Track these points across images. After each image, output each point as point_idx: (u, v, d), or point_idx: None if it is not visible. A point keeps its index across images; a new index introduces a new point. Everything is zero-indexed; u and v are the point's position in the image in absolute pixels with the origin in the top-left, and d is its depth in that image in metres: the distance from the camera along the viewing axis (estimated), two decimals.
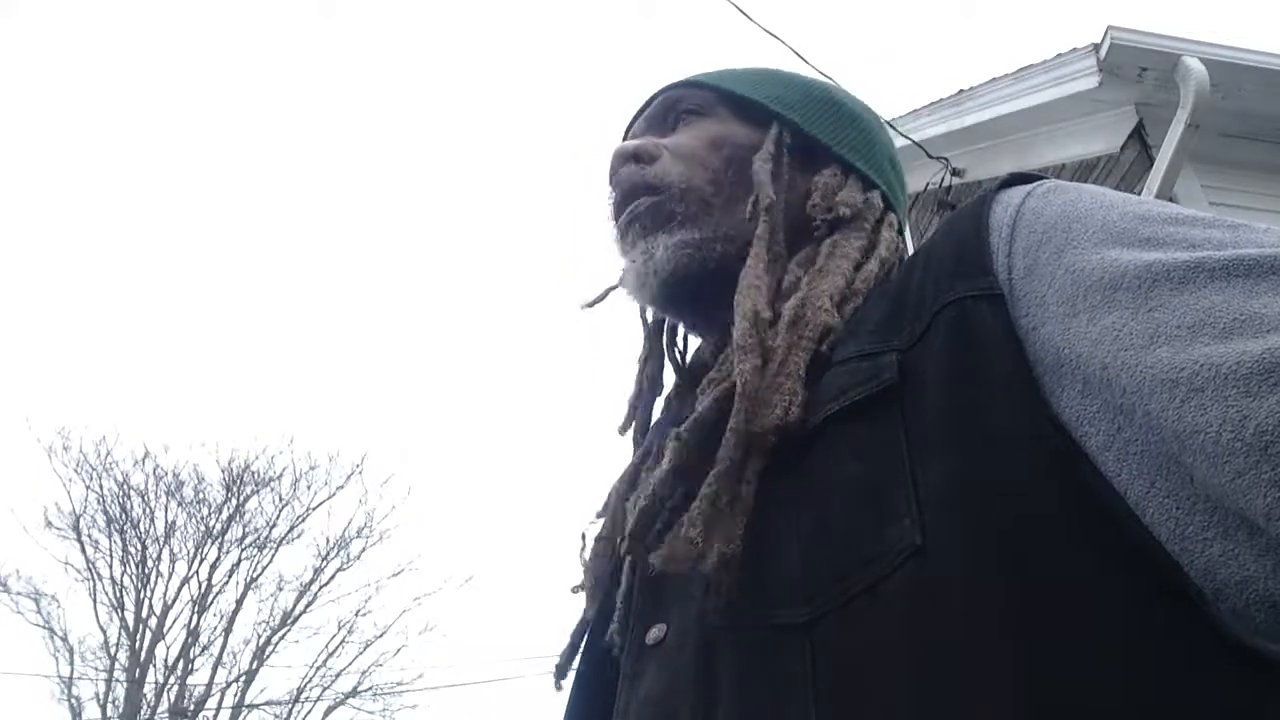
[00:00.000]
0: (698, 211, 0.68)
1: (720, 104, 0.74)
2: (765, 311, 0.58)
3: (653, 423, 0.74)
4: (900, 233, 0.74)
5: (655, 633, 0.51)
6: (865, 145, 0.74)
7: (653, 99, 0.78)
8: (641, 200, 0.69)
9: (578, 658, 0.63)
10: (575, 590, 0.68)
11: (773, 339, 0.56)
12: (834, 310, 0.57)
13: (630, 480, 0.66)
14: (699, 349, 0.76)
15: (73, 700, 11.67)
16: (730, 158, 0.70)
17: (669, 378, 0.79)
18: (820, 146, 0.72)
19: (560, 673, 0.65)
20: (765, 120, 0.72)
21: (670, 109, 0.76)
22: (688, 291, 0.67)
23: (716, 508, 0.47)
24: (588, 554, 0.67)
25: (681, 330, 0.79)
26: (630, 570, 0.57)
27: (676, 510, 0.50)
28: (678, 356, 0.79)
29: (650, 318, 0.80)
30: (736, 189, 0.68)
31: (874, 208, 0.70)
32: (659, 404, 0.76)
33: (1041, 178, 0.53)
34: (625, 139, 0.79)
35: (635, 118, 0.79)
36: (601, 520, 0.68)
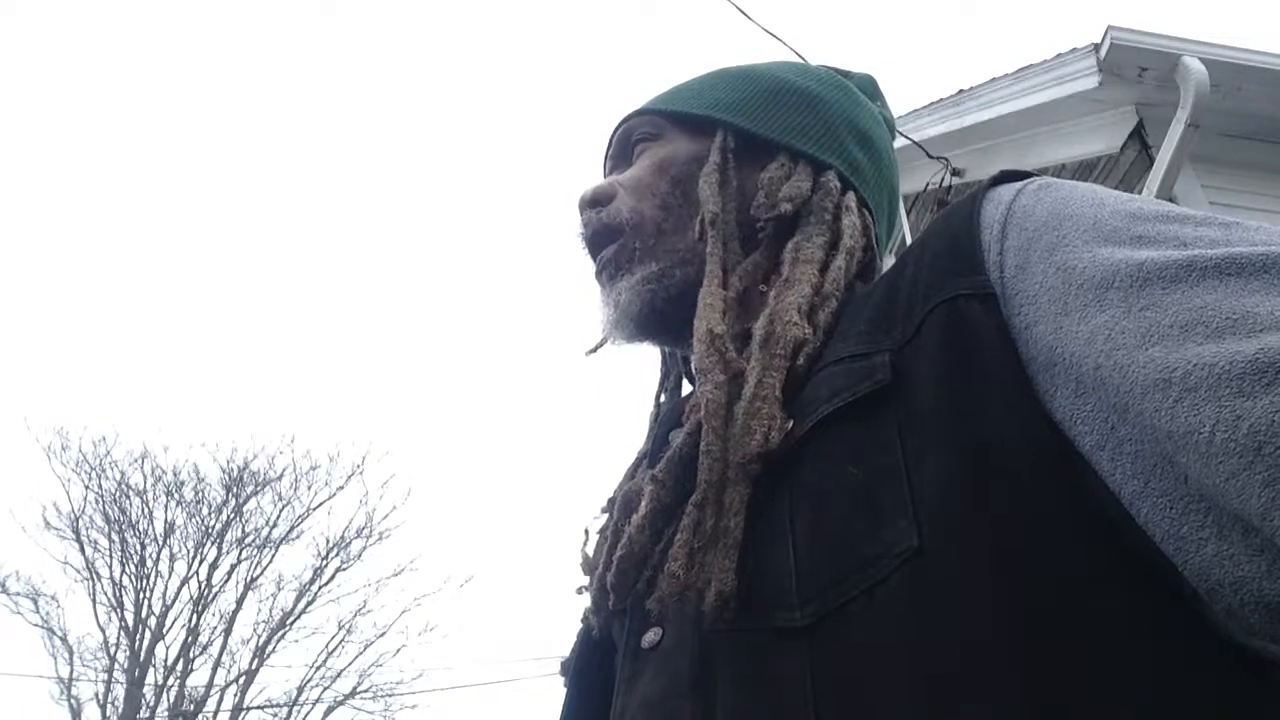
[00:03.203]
0: (654, 242, 0.68)
1: (669, 125, 0.74)
2: (719, 327, 0.58)
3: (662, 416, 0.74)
4: (866, 208, 0.72)
5: (651, 636, 0.51)
6: (815, 124, 0.73)
7: (613, 136, 0.78)
8: (607, 249, 0.70)
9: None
10: (580, 592, 0.68)
11: (746, 359, 0.55)
12: (804, 322, 0.57)
13: (629, 474, 0.66)
14: None
15: (72, 700, 11.68)
16: (677, 178, 0.70)
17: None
18: (765, 141, 0.71)
19: (565, 670, 0.65)
20: (711, 130, 0.72)
21: (627, 141, 0.76)
22: (658, 324, 0.68)
23: (698, 537, 0.47)
24: (590, 549, 0.66)
25: None
26: (608, 555, 0.57)
27: (664, 551, 0.50)
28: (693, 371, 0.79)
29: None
30: (686, 209, 0.69)
31: (829, 192, 0.68)
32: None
33: (1032, 175, 0.53)
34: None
35: (605, 154, 0.80)
36: (605, 516, 0.68)
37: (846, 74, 0.83)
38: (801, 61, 0.83)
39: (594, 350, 0.79)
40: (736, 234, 0.67)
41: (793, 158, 0.71)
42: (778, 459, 0.49)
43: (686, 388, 0.79)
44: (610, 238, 0.70)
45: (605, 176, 0.78)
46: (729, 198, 0.68)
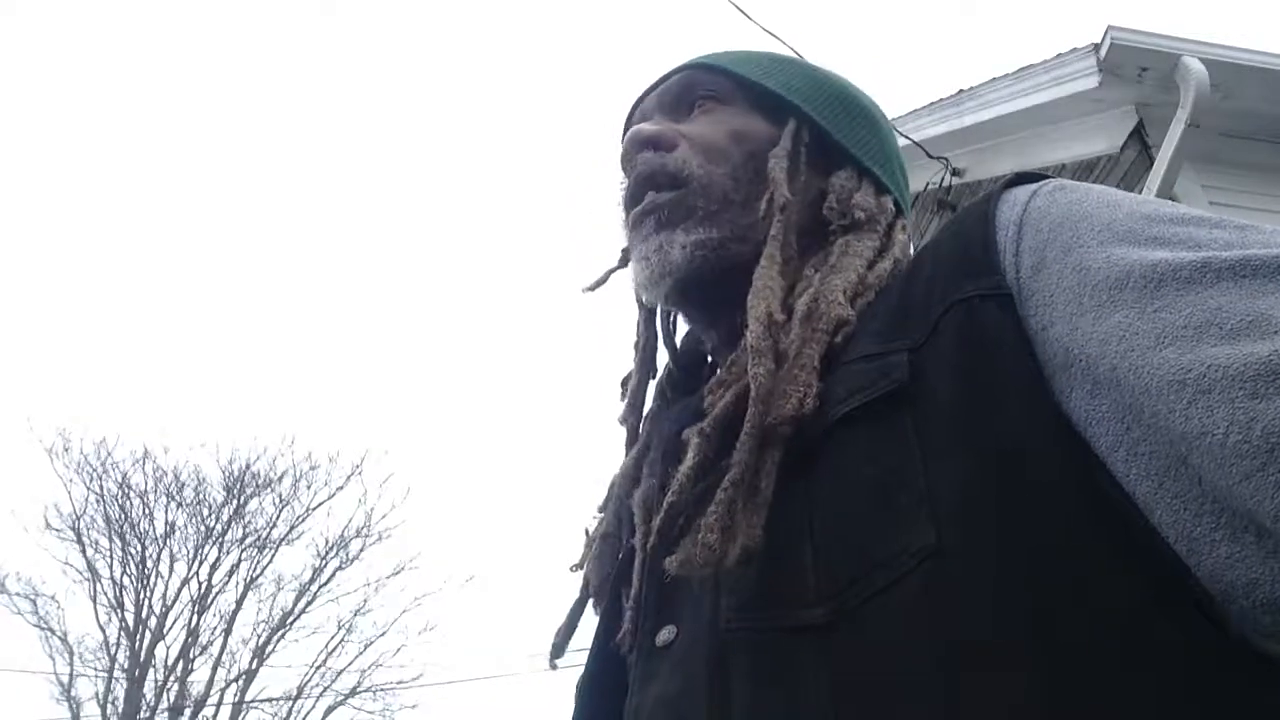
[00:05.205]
0: (718, 209, 0.65)
1: (739, 92, 0.72)
2: (779, 314, 0.57)
3: (646, 413, 0.73)
4: (906, 234, 0.73)
5: (665, 634, 0.51)
6: (879, 148, 0.73)
7: (667, 77, 0.75)
8: (663, 193, 0.66)
9: (585, 653, 0.62)
10: (574, 569, 0.67)
11: (786, 335, 0.55)
12: (847, 304, 0.57)
13: (633, 476, 0.65)
14: (688, 335, 0.75)
15: (72, 700, 11.67)
16: (751, 152, 0.67)
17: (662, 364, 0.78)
18: (837, 146, 0.70)
19: (556, 651, 0.64)
20: (782, 113, 0.70)
21: (686, 92, 0.73)
22: (700, 292, 0.66)
23: (733, 513, 0.47)
24: (593, 550, 0.66)
25: (673, 315, 0.78)
26: (640, 570, 0.56)
27: (691, 516, 0.50)
28: (674, 343, 0.78)
29: (645, 303, 0.77)
30: (754, 186, 0.66)
31: (887, 212, 0.69)
32: (650, 390, 0.75)
33: (1047, 177, 0.53)
34: (631, 117, 0.76)
35: (645, 94, 0.76)
36: (603, 516, 0.68)
37: None
38: (850, 79, 0.81)
39: (594, 287, 0.77)
40: (795, 226, 0.66)
41: (859, 173, 0.70)
42: (796, 452, 0.49)
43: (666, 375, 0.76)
44: (670, 185, 0.66)
45: (643, 118, 0.73)
46: (796, 189, 0.66)
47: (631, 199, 0.69)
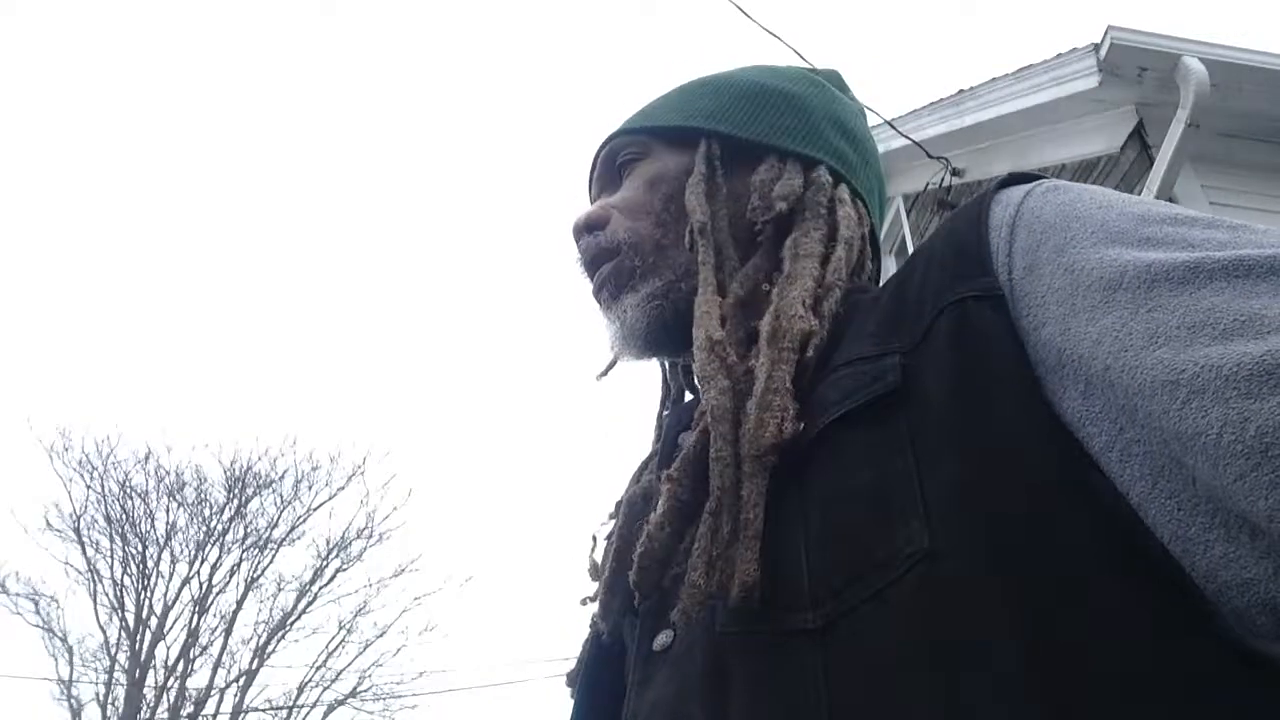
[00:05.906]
0: (654, 259, 0.68)
1: (653, 141, 0.74)
2: (718, 334, 0.58)
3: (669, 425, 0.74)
4: (860, 198, 0.73)
5: (662, 639, 0.51)
6: (798, 122, 0.73)
7: (598, 154, 0.78)
8: (604, 267, 0.70)
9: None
10: (584, 602, 0.68)
11: (754, 357, 0.56)
12: (809, 314, 0.57)
13: (635, 478, 0.66)
14: None
15: (72, 701, 11.67)
16: (668, 194, 0.70)
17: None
18: (752, 144, 0.71)
19: (572, 680, 0.64)
20: (696, 140, 0.72)
21: (612, 162, 0.76)
22: (668, 338, 0.67)
23: (715, 545, 0.47)
24: (598, 555, 0.66)
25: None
26: (616, 562, 0.57)
27: (687, 552, 0.50)
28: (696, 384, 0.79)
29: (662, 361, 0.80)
30: (681, 223, 0.69)
31: (821, 187, 0.69)
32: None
33: (1041, 177, 0.53)
34: (590, 198, 0.80)
35: (590, 177, 0.80)
36: (612, 522, 0.68)
37: (814, 71, 0.84)
38: (773, 65, 0.82)
39: (605, 373, 0.79)
40: (730, 240, 0.67)
41: (781, 158, 0.71)
42: (789, 459, 0.49)
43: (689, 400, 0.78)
44: (609, 257, 0.70)
45: (593, 200, 0.78)
46: (719, 205, 0.68)
47: (589, 280, 0.73)
